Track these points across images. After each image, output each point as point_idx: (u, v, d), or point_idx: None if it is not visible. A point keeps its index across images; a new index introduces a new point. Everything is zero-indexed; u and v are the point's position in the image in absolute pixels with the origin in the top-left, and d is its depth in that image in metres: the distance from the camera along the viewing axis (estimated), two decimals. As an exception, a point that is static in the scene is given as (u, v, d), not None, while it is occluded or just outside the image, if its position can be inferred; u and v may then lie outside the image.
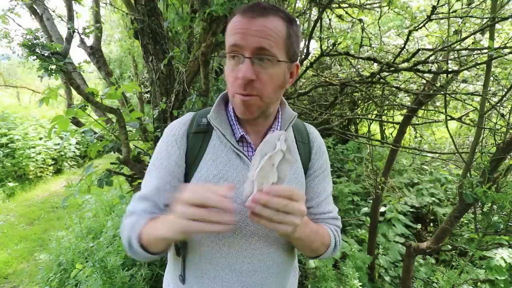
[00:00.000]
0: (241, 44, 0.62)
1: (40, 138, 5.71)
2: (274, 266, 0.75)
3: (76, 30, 1.44)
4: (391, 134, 4.28)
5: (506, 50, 1.55)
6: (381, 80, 2.22)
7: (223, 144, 0.74)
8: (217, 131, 0.73)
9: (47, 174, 5.53)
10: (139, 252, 0.67)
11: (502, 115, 1.78)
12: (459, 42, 1.75)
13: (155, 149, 0.79)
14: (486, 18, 1.78)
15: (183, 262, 0.76)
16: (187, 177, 0.75)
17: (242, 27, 0.62)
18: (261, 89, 0.65)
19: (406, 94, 3.11)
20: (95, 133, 1.59)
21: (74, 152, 6.30)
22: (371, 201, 3.25)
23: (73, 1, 1.59)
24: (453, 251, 2.66)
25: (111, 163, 1.69)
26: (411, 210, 3.36)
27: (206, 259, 0.72)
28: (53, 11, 2.17)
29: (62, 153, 5.97)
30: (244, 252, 0.72)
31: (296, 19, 0.83)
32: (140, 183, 2.12)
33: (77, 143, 6.42)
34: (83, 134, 1.58)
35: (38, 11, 2.15)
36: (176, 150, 0.74)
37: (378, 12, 2.71)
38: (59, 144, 5.81)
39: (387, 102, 3.10)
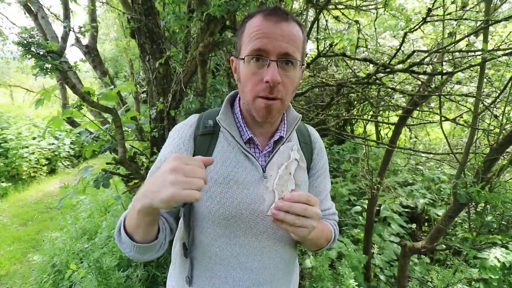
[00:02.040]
0: (268, 48, 0.62)
1: (34, 138, 5.63)
2: (282, 262, 0.77)
3: (72, 29, 1.42)
4: (386, 134, 4.31)
5: (500, 52, 1.57)
6: (377, 81, 2.23)
7: (231, 146, 0.74)
8: (226, 133, 0.73)
9: (40, 174, 5.45)
10: (125, 240, 0.64)
11: (496, 116, 1.81)
12: (453, 44, 1.77)
13: (160, 151, 0.78)
14: (480, 20, 1.81)
15: (191, 263, 0.76)
16: None
17: (268, 31, 0.62)
18: (284, 92, 0.66)
19: (401, 95, 3.13)
20: (91, 133, 1.57)
21: (68, 152, 6.22)
22: (365, 200, 3.27)
23: (69, 0, 1.57)
24: (448, 251, 2.69)
25: (107, 163, 1.67)
26: (406, 210, 3.39)
27: (217, 259, 0.73)
28: (48, 10, 2.14)
29: (56, 153, 5.89)
30: (254, 250, 0.73)
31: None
32: (136, 183, 2.11)
33: (71, 143, 6.35)
34: (78, 134, 1.56)
35: (32, 9, 2.13)
36: (183, 153, 0.73)
37: (374, 13, 2.73)
38: (53, 144, 5.74)
39: (383, 103, 3.13)
